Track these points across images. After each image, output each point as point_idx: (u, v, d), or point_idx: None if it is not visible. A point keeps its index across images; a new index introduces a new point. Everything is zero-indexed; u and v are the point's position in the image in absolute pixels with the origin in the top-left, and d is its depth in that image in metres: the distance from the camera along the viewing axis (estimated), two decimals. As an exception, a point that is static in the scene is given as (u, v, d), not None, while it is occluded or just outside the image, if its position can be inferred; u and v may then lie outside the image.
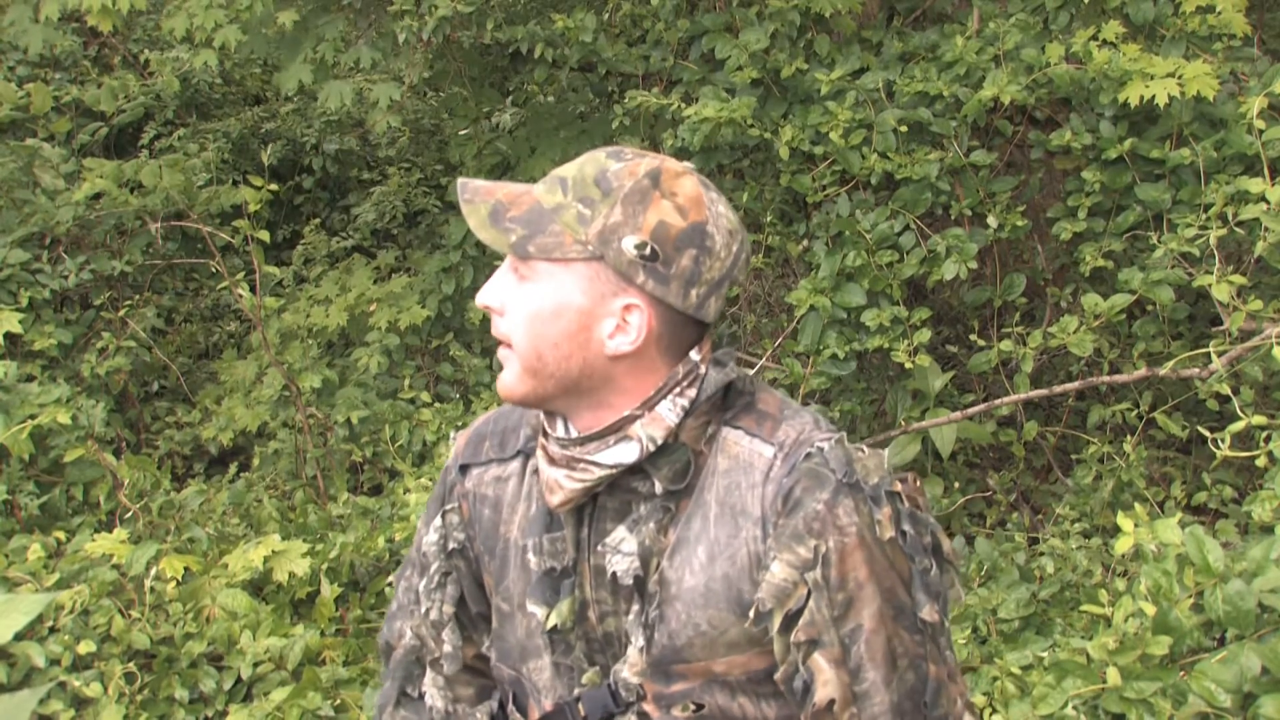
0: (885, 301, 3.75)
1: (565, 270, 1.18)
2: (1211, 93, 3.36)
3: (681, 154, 4.12)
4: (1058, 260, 4.08)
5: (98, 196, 5.14)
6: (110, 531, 3.31)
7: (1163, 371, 3.39)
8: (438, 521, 1.40)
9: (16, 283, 4.82)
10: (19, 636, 2.72)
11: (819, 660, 1.16)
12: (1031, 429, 3.87)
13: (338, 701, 2.88)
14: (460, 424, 4.44)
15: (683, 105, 3.92)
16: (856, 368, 3.85)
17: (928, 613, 1.19)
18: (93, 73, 6.93)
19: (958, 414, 3.71)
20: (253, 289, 4.58)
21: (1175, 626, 2.35)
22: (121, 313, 5.25)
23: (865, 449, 1.23)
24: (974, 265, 3.67)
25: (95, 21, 4.15)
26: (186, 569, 3.17)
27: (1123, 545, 2.56)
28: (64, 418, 3.51)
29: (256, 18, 4.35)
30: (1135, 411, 3.80)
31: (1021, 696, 2.51)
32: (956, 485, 3.87)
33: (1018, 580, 3.20)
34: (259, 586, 3.33)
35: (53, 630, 2.92)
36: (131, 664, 2.95)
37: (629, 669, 1.24)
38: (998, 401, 3.70)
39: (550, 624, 1.27)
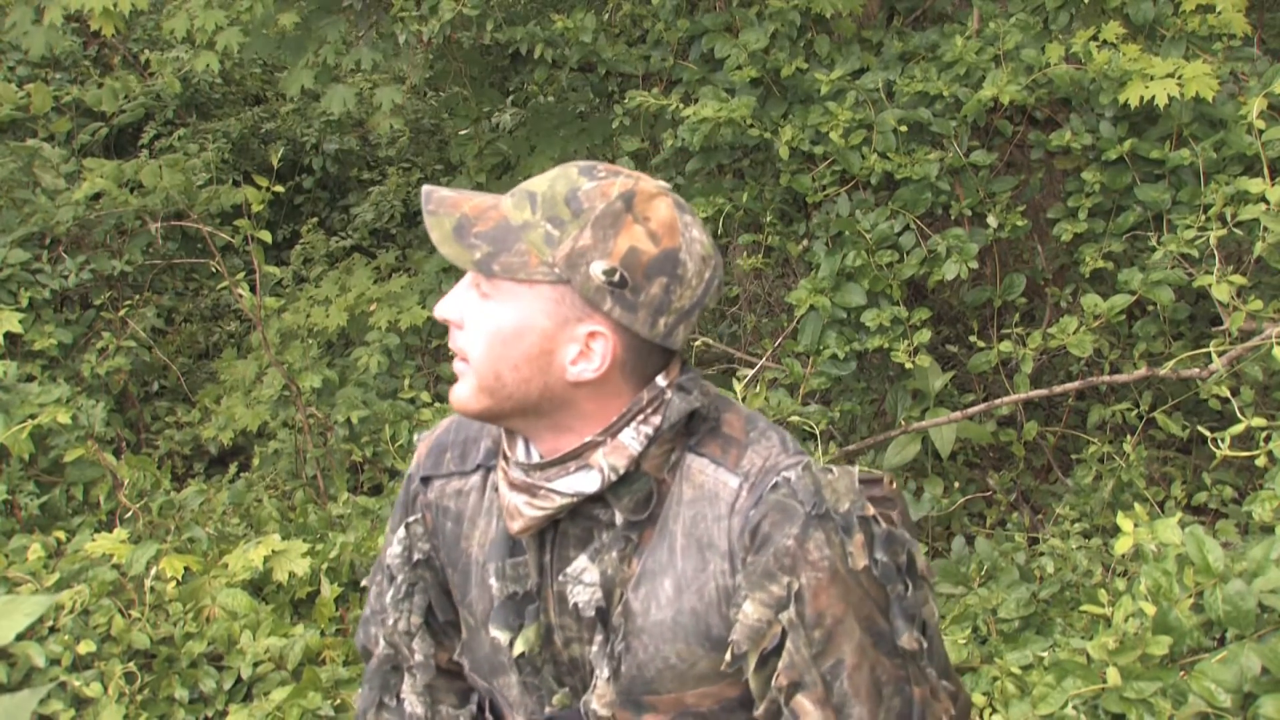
0: (885, 301, 3.75)
1: (529, 291, 1.14)
2: (1211, 94, 3.36)
3: (681, 154, 4.13)
4: (1058, 260, 4.08)
5: (98, 196, 5.14)
6: (110, 531, 3.31)
7: (1163, 371, 3.39)
8: (401, 533, 1.38)
9: (16, 283, 4.82)
10: (19, 636, 2.72)
11: (803, 702, 1.13)
12: (1031, 429, 3.87)
13: (338, 701, 2.88)
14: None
15: (682, 105, 3.92)
16: (856, 368, 3.85)
17: (906, 640, 1.16)
18: (93, 73, 6.94)
19: (958, 414, 3.71)
20: (253, 289, 4.58)
21: (1175, 626, 2.35)
22: (121, 313, 5.26)
23: (834, 470, 1.19)
24: (974, 265, 3.67)
25: (98, 25, 4.16)
26: (186, 569, 3.17)
27: (1123, 545, 2.56)
28: (64, 418, 3.51)
29: (257, 19, 4.35)
30: (1135, 411, 3.80)
31: (1021, 696, 2.51)
32: (956, 485, 3.87)
33: (1018, 580, 3.20)
34: (259, 586, 3.33)
35: (53, 630, 2.92)
36: (131, 664, 2.95)
37: (597, 700, 1.22)
38: (998, 401, 3.70)
39: (517, 651, 1.24)
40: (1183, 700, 2.26)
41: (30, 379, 4.08)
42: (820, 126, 3.83)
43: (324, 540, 3.54)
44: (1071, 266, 3.93)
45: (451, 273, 5.22)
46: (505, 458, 1.23)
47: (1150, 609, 2.37)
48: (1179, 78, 3.39)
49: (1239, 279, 3.22)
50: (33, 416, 3.54)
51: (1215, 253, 3.29)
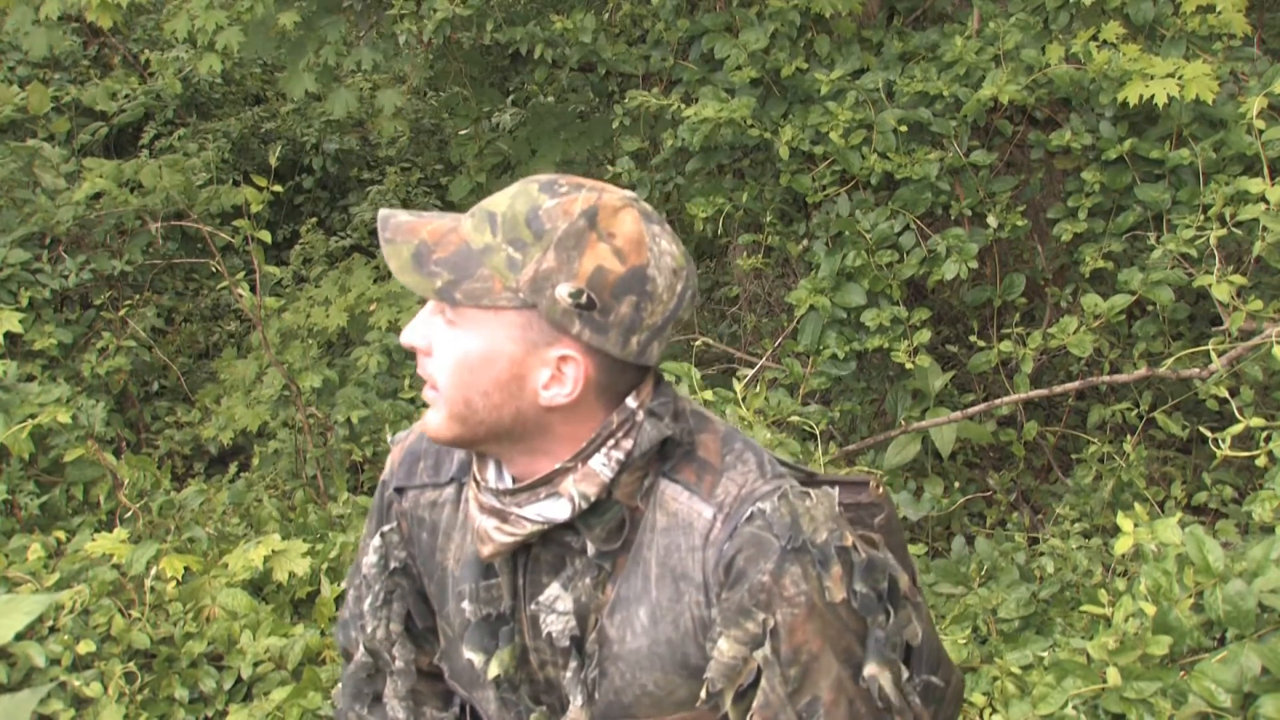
0: (885, 301, 3.75)
1: (495, 317, 1.10)
2: (1210, 96, 3.36)
3: (681, 154, 4.13)
4: (1058, 260, 4.08)
5: (98, 196, 5.14)
6: (110, 531, 3.30)
7: (1163, 371, 3.39)
8: (377, 541, 1.35)
9: (16, 282, 4.82)
10: (19, 636, 2.72)
11: None
12: (1031, 429, 3.87)
13: (338, 701, 2.87)
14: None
15: (683, 105, 3.92)
16: (856, 368, 3.85)
17: (873, 670, 1.14)
18: (93, 73, 6.94)
19: (958, 414, 3.71)
20: (253, 289, 4.58)
21: (1175, 626, 2.35)
22: (121, 312, 5.26)
23: (812, 495, 1.15)
24: (974, 265, 3.67)
25: (94, 17, 4.15)
26: (186, 569, 3.17)
27: (1123, 545, 2.56)
28: (64, 417, 3.51)
29: (257, 19, 4.35)
30: (1135, 411, 3.80)
31: (1021, 696, 2.51)
32: (956, 485, 3.87)
33: (1018, 580, 3.20)
34: (259, 586, 3.33)
35: (53, 630, 2.92)
36: (131, 664, 2.94)
37: None
38: (998, 401, 3.70)
39: (492, 674, 1.23)
40: (1183, 700, 2.26)
41: (30, 379, 4.08)
42: (820, 126, 3.83)
43: (324, 540, 3.54)
44: (1071, 266, 3.93)
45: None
46: (476, 481, 1.20)
47: (1150, 609, 2.37)
48: (1179, 78, 3.39)
49: (1239, 279, 3.22)
50: (33, 416, 3.54)
51: (1215, 253, 3.29)
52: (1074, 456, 3.97)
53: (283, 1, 4.43)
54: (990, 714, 2.53)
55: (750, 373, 3.53)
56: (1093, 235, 3.74)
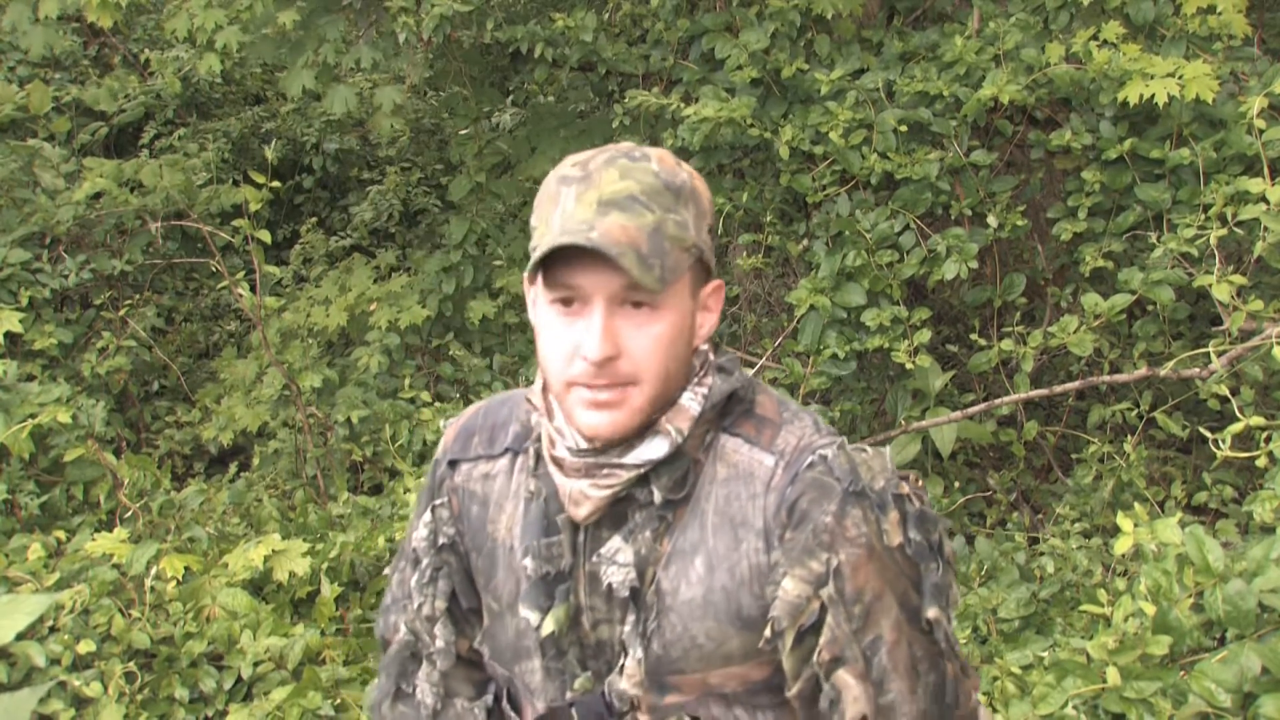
0: (885, 301, 3.75)
1: (680, 284, 1.16)
2: (1210, 96, 3.36)
3: (681, 154, 4.12)
4: (1058, 260, 4.08)
5: (98, 196, 5.14)
6: (110, 531, 3.31)
7: (1163, 372, 3.39)
8: (427, 516, 1.38)
9: (17, 282, 4.82)
10: (19, 636, 2.72)
11: (845, 676, 1.14)
12: (1031, 429, 3.87)
13: (338, 701, 2.88)
14: (450, 415, 4.44)
15: (683, 105, 3.92)
16: (856, 368, 3.85)
17: (934, 613, 1.18)
18: (93, 73, 6.93)
19: (958, 414, 3.71)
20: (253, 288, 4.58)
21: (1175, 626, 2.35)
22: (121, 312, 5.26)
23: (868, 449, 1.21)
24: (974, 265, 3.67)
25: (94, 16, 4.15)
26: (187, 568, 3.17)
27: (1123, 545, 2.56)
28: (64, 417, 3.51)
29: (257, 18, 4.35)
30: (1135, 411, 3.80)
31: (1021, 696, 2.51)
32: (956, 485, 3.87)
33: (1018, 580, 3.20)
34: (259, 586, 3.33)
35: (53, 630, 2.92)
36: (132, 663, 2.94)
37: (627, 679, 1.22)
38: (998, 401, 3.70)
39: (546, 630, 1.25)
40: (1183, 700, 2.26)
41: (30, 379, 4.08)
42: (820, 126, 3.83)
43: (324, 540, 3.54)
44: (1071, 266, 3.93)
45: (452, 273, 5.22)
46: (551, 453, 1.23)
47: (1150, 609, 2.37)
48: (1179, 78, 3.39)
49: (1239, 279, 3.22)
50: (33, 416, 3.54)
51: (1215, 252, 3.29)
52: (1074, 456, 3.97)
53: (282, 0, 4.43)
54: (990, 714, 2.53)
55: (750, 373, 3.53)
56: (1093, 235, 3.74)
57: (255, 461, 4.71)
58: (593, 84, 5.16)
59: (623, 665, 1.23)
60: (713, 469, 1.21)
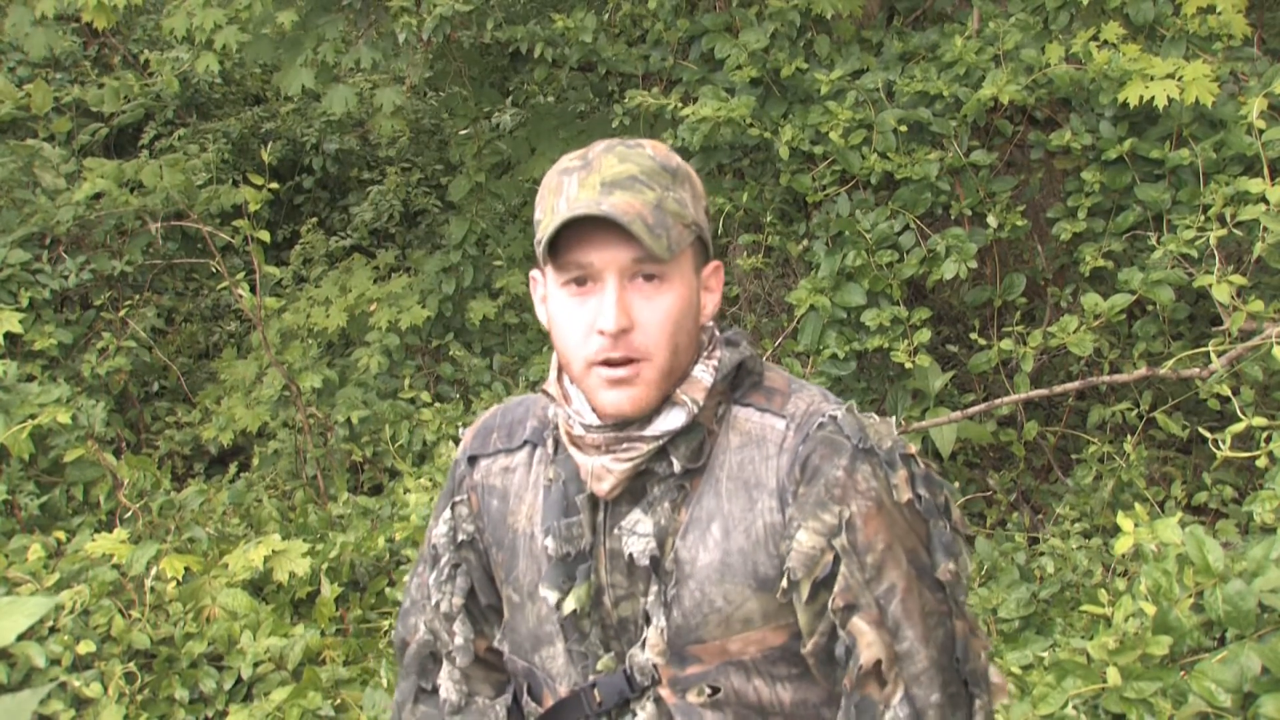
0: (885, 301, 3.75)
1: (684, 259, 1.21)
2: (1210, 98, 3.36)
3: (681, 154, 4.12)
4: (1058, 260, 4.08)
5: (98, 196, 5.14)
6: (110, 531, 3.31)
7: (1163, 371, 3.39)
8: (447, 514, 1.41)
9: (17, 283, 4.82)
10: (20, 637, 2.72)
11: (859, 624, 1.17)
12: (1031, 429, 3.87)
13: (338, 701, 2.88)
14: (463, 423, 4.45)
15: (682, 105, 3.92)
16: (856, 368, 3.85)
17: (944, 571, 1.21)
18: (93, 73, 6.94)
19: (958, 414, 3.71)
20: (253, 289, 4.58)
21: (1175, 626, 2.35)
22: (121, 313, 5.26)
23: (875, 416, 1.26)
24: (974, 265, 3.67)
25: (91, 18, 4.15)
26: (187, 569, 3.17)
27: (1123, 545, 2.56)
28: (64, 418, 3.51)
29: (256, 18, 4.35)
30: (1135, 411, 3.80)
31: (1022, 696, 2.51)
32: (956, 485, 3.86)
33: (1018, 580, 3.20)
34: (259, 586, 3.33)
35: (53, 630, 2.92)
36: (132, 664, 2.95)
37: (650, 649, 1.24)
38: (998, 401, 3.70)
39: (568, 609, 1.27)
40: (1183, 700, 2.26)
41: (30, 379, 4.08)
42: (820, 126, 3.83)
43: (324, 540, 3.54)
44: (1071, 266, 3.93)
45: (452, 273, 5.22)
46: (569, 432, 1.26)
47: (1150, 609, 2.37)
48: (1179, 78, 3.39)
49: (1239, 279, 3.22)
50: (33, 416, 3.54)
51: (1215, 253, 3.29)
52: (1074, 456, 3.97)
53: (281, 0, 4.43)
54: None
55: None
56: (1093, 235, 3.74)
57: (255, 462, 4.71)
58: (592, 84, 5.16)
59: (645, 638, 1.25)
60: (726, 439, 1.26)
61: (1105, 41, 3.58)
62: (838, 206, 3.86)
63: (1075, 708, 2.37)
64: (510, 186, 5.35)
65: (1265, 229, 3.17)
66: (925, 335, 3.65)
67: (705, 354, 1.26)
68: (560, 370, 1.30)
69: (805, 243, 4.02)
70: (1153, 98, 3.38)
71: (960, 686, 1.20)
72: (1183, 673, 2.31)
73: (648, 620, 1.25)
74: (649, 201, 1.17)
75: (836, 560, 1.17)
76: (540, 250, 1.18)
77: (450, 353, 5.09)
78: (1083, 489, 3.67)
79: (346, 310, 5.13)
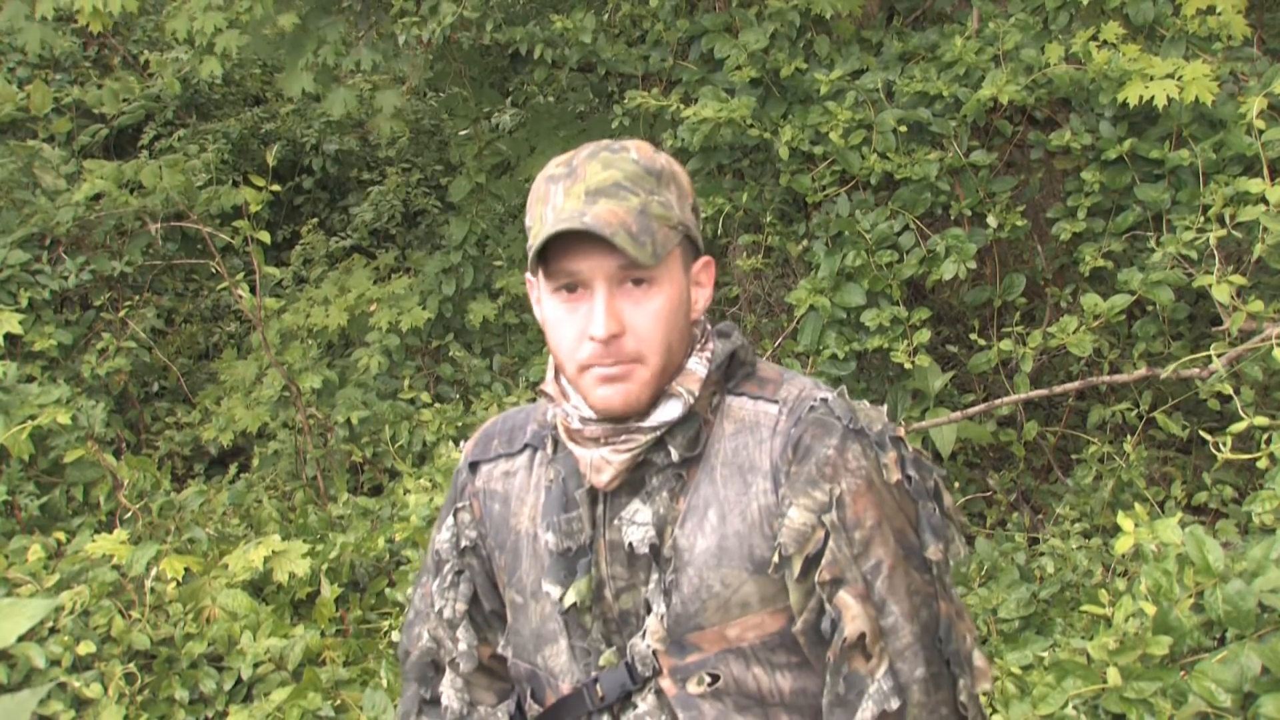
0: (885, 301, 3.75)
1: (671, 260, 1.23)
2: (1210, 98, 3.36)
3: (681, 154, 4.12)
4: (1058, 260, 4.08)
5: (98, 197, 5.14)
6: (110, 532, 3.31)
7: (1163, 372, 3.39)
8: (450, 521, 1.43)
9: (16, 283, 4.82)
10: (20, 638, 2.72)
11: (845, 597, 1.19)
12: (1031, 429, 3.87)
13: (338, 702, 2.88)
14: (463, 424, 4.45)
15: (682, 105, 3.92)
16: (856, 368, 3.85)
17: (933, 552, 1.23)
18: (93, 74, 6.93)
19: (958, 414, 3.71)
20: (253, 289, 4.58)
21: (1175, 626, 2.35)
22: (121, 313, 5.26)
23: (866, 403, 1.29)
24: (973, 265, 3.67)
25: (86, 22, 4.16)
26: (187, 569, 3.17)
27: (1123, 545, 2.56)
28: (64, 418, 3.51)
29: (256, 20, 4.35)
30: (1135, 411, 3.80)
31: (1021, 696, 2.51)
32: (956, 485, 3.86)
33: (1018, 580, 3.20)
34: (259, 587, 3.33)
35: (53, 631, 2.92)
36: (132, 664, 2.94)
37: (650, 636, 1.26)
38: (998, 401, 3.70)
39: (569, 602, 1.29)
40: (1183, 700, 2.26)
41: (30, 380, 4.08)
42: (820, 126, 3.83)
43: (324, 541, 3.54)
44: (1071, 266, 3.93)
45: (452, 274, 5.22)
46: (569, 423, 1.28)
47: (1150, 609, 2.37)
48: (1179, 78, 3.39)
49: (1239, 279, 3.22)
50: (33, 417, 3.54)
51: (1215, 253, 3.29)
52: (1074, 456, 3.97)
53: (281, 2, 4.43)
54: (990, 714, 2.53)
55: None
56: (1092, 235, 3.74)
57: (255, 462, 4.71)
58: (592, 85, 5.16)
59: (645, 627, 1.27)
60: (721, 427, 1.29)
61: (1105, 41, 3.58)
62: (837, 207, 3.86)
63: (1075, 708, 2.37)
64: (510, 187, 5.35)
65: (1265, 229, 3.17)
66: (925, 335, 3.65)
67: (699, 347, 1.29)
68: (557, 369, 1.32)
69: (805, 243, 4.02)
70: (1152, 98, 3.38)
71: (943, 666, 1.22)
72: (1183, 673, 2.31)
73: (648, 609, 1.26)
74: (633, 208, 1.19)
75: (827, 536, 1.19)
76: (529, 260, 1.22)
77: (450, 353, 5.09)
78: (1083, 489, 3.67)
79: (346, 311, 5.13)
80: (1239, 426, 2.85)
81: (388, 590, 3.37)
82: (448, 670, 1.43)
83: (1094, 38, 3.60)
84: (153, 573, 3.13)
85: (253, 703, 2.92)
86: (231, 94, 7.39)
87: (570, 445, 1.29)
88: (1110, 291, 3.66)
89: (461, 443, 1.49)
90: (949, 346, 4.32)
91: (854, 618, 1.18)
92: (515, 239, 5.32)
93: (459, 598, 1.42)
